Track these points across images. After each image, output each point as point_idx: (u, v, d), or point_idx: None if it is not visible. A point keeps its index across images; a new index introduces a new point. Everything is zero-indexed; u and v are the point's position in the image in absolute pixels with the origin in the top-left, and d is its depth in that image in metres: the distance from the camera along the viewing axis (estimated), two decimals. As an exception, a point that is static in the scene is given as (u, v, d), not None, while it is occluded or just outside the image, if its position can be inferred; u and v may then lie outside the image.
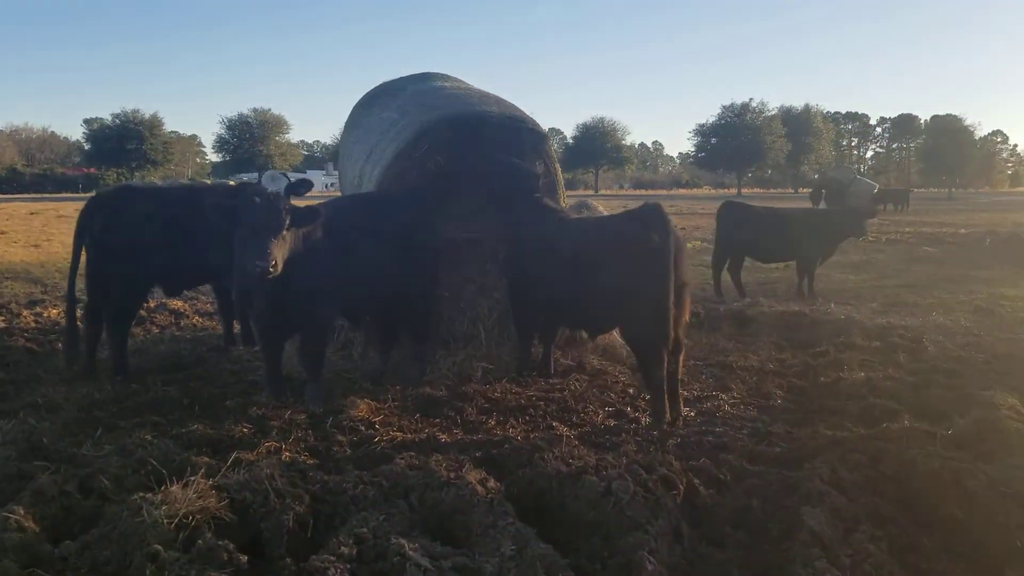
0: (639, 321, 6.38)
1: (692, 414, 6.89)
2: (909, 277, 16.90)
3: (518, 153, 8.19)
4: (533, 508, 4.60)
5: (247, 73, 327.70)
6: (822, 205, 40.25)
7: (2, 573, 3.76)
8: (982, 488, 4.65)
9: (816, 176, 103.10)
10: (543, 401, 7.11)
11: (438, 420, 6.57)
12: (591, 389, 7.57)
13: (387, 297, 7.39)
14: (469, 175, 7.95)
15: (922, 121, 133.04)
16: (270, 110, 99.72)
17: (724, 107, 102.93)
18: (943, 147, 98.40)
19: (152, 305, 11.22)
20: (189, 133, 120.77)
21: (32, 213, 37.69)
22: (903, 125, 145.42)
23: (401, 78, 9.67)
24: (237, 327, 9.23)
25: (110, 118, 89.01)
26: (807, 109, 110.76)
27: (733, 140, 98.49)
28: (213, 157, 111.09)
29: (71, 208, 40.81)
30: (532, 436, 6.09)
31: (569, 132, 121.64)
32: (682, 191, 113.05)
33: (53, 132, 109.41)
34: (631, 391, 7.56)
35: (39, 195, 69.34)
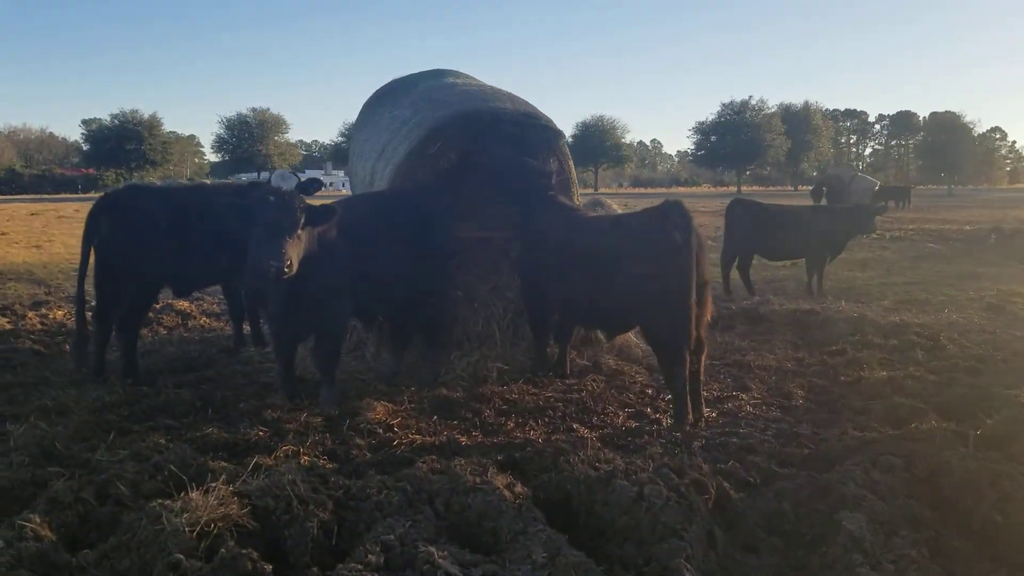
0: (660, 321, 6.26)
1: (714, 415, 6.79)
2: (917, 274, 16.83)
3: (532, 150, 8.06)
4: (560, 513, 4.48)
5: (246, 73, 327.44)
6: (823, 202, 40.34)
7: (20, 584, 3.66)
8: (1020, 490, 4.54)
9: (815, 174, 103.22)
10: (561, 402, 7.00)
11: (456, 422, 6.47)
12: (609, 390, 7.46)
13: (401, 297, 7.28)
14: (482, 173, 7.83)
15: (921, 118, 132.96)
16: (269, 110, 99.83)
17: (724, 105, 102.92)
18: (942, 144, 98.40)
19: (158, 306, 11.09)
20: (187, 133, 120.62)
21: (32, 214, 37.51)
22: (901, 122, 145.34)
23: (412, 75, 9.54)
24: (247, 328, 9.12)
25: (108, 118, 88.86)
26: (807, 106, 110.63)
27: (733, 138, 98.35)
28: (212, 157, 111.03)
29: (71, 209, 40.76)
30: (553, 438, 5.98)
31: (569, 130, 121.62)
32: (681, 189, 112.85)
33: (51, 133, 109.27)
34: (649, 392, 7.46)
35: (38, 196, 69.11)
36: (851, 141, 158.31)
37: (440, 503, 4.40)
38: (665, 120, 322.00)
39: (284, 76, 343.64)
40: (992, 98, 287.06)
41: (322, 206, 6.23)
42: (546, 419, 6.62)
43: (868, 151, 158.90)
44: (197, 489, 4.20)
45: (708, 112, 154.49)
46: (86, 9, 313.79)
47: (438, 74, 9.45)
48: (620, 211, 9.03)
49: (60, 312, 11.16)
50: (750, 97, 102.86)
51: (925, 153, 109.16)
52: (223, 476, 4.48)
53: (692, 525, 4.18)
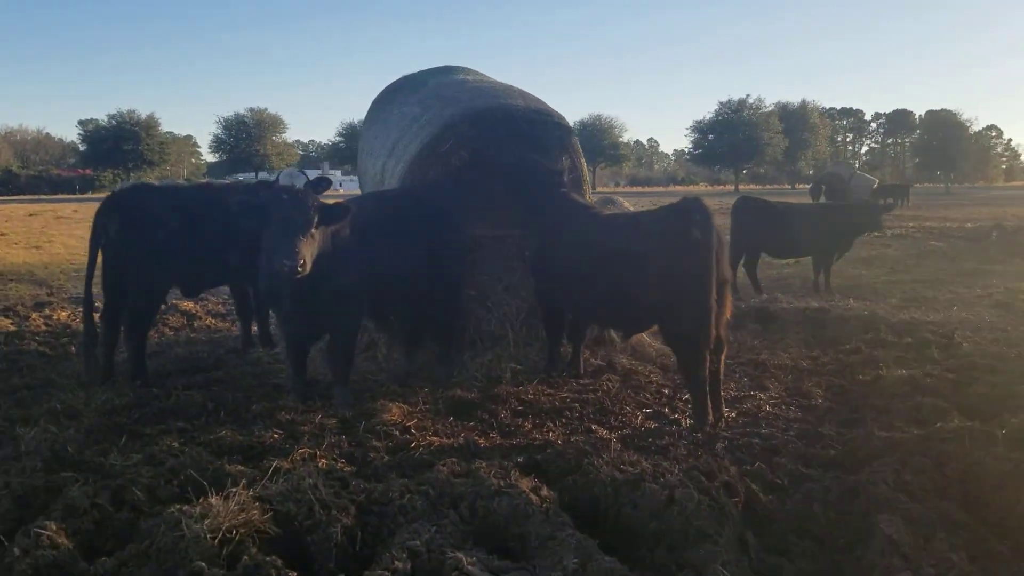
0: (680, 320, 6.16)
1: (733, 415, 6.69)
2: (922, 272, 16.80)
3: (544, 148, 7.97)
4: (587, 517, 4.38)
5: (243, 73, 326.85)
6: (822, 200, 40.33)
7: (38, 594, 3.56)
8: (1057, 492, 4.46)
9: (812, 172, 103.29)
10: (578, 403, 6.90)
11: (473, 424, 6.37)
12: (625, 390, 7.37)
13: (414, 296, 7.17)
14: (495, 171, 7.73)
15: (917, 116, 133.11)
16: (267, 110, 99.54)
17: (721, 103, 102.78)
18: (939, 142, 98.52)
19: (163, 307, 10.97)
20: (184, 133, 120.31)
21: (31, 214, 37.35)
22: (898, 120, 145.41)
23: (422, 71, 9.42)
24: (254, 328, 9.01)
25: (106, 119, 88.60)
26: (804, 105, 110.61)
27: (730, 136, 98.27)
28: (209, 157, 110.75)
29: (69, 209, 40.63)
30: (573, 439, 5.87)
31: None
32: (678, 188, 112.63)
33: (48, 133, 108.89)
34: (666, 391, 7.37)
35: (36, 196, 68.90)
36: (847, 139, 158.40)
37: (465, 507, 4.30)
38: (662, 119, 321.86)
39: (282, 76, 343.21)
40: (988, 96, 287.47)
41: (336, 204, 6.13)
42: (563, 420, 6.52)
43: (864, 149, 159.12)
44: (216, 494, 4.11)
45: (705, 111, 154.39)
46: (83, 9, 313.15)
47: (447, 71, 9.34)
48: (632, 209, 8.94)
49: (64, 313, 11.05)
50: (747, 96, 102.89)
51: (921, 151, 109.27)
52: (243, 481, 4.36)
53: (725, 529, 4.09)
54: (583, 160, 8.36)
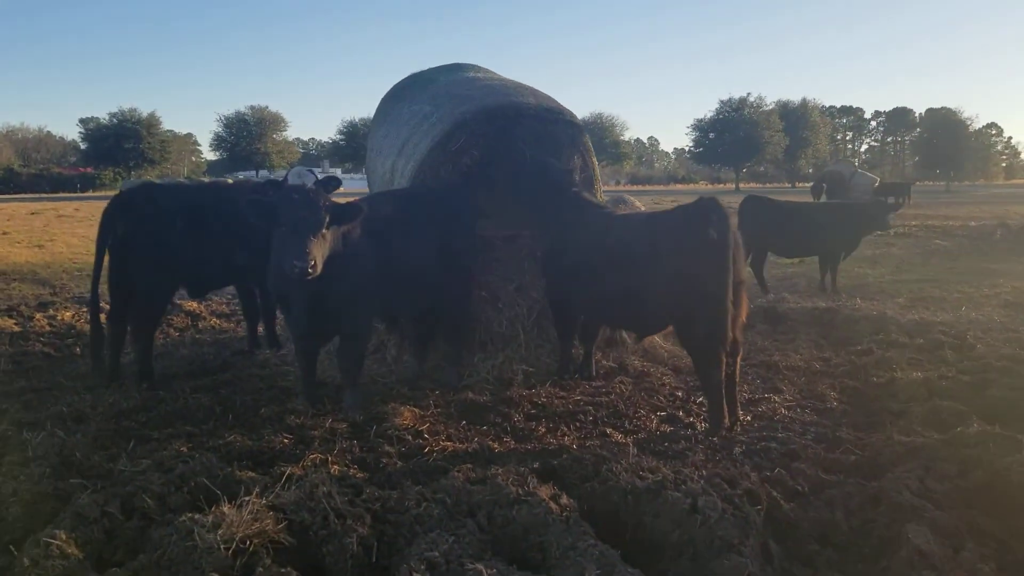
0: (697, 321, 6.06)
1: (748, 418, 6.60)
2: (928, 271, 16.74)
3: (556, 146, 7.88)
4: (606, 526, 4.29)
5: (244, 71, 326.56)
6: (823, 199, 40.23)
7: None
8: (1087, 500, 4.37)
9: (812, 171, 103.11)
10: (591, 406, 6.82)
11: (486, 428, 6.28)
12: (638, 392, 7.28)
13: (425, 297, 7.08)
14: (506, 169, 7.64)
15: (917, 114, 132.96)
16: (267, 107, 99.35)
17: (722, 102, 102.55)
18: (939, 140, 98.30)
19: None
20: (185, 132, 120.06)
21: (32, 213, 37.22)
22: (897, 118, 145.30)
23: (431, 69, 9.31)
24: (260, 329, 8.92)
25: (107, 117, 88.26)
26: (804, 103, 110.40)
27: (731, 135, 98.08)
28: (210, 155, 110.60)
29: (70, 208, 40.50)
30: (588, 444, 5.79)
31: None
32: (679, 186, 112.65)
33: (49, 132, 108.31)
34: (679, 394, 7.28)
35: (37, 195, 68.75)
36: (847, 138, 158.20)
37: (482, 516, 4.21)
38: (662, 118, 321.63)
39: (282, 74, 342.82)
40: (988, 94, 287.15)
41: (347, 204, 6.03)
42: (577, 424, 6.44)
43: (864, 148, 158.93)
44: (228, 502, 4.03)
45: (706, 110, 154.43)
46: (84, 8, 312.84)
47: (456, 68, 9.23)
48: (643, 208, 8.86)
49: (68, 313, 10.94)
50: (748, 94, 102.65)
51: (921, 149, 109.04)
52: (256, 489, 4.27)
53: (749, 539, 4.00)
54: (594, 159, 8.27)
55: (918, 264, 18.05)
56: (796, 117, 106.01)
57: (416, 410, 6.48)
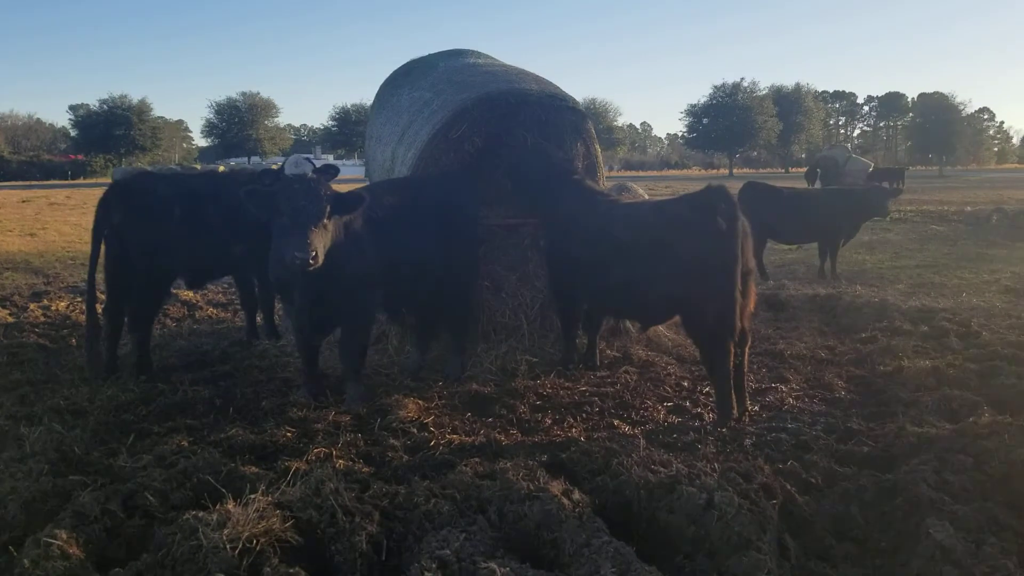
0: (704, 312, 5.97)
1: (756, 408, 6.53)
2: (926, 257, 16.72)
3: (558, 133, 7.76)
4: (618, 521, 4.20)
5: (235, 57, 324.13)
6: (817, 184, 40.16)
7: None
8: (1105, 493, 4.30)
9: (805, 156, 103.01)
10: (597, 396, 6.73)
11: (491, 420, 6.19)
12: (644, 383, 7.20)
13: (428, 288, 6.96)
14: (509, 156, 7.52)
15: (909, 99, 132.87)
16: (259, 94, 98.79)
17: (716, 87, 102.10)
18: (932, 125, 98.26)
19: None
20: (176, 118, 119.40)
21: (23, 201, 36.86)
22: (890, 103, 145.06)
23: (431, 55, 9.15)
24: (259, 319, 8.81)
25: (97, 104, 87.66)
26: (798, 88, 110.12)
27: (724, 120, 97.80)
28: (201, 142, 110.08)
29: (62, 195, 40.16)
30: (596, 436, 5.71)
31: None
32: (672, 172, 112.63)
33: (39, 119, 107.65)
34: (686, 384, 7.20)
35: (27, 183, 68.23)
36: (840, 123, 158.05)
37: (494, 512, 4.12)
38: (654, 103, 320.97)
39: (274, 60, 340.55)
40: (980, 79, 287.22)
41: (349, 193, 5.91)
42: (584, 415, 6.35)
43: (857, 132, 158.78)
44: (233, 500, 3.93)
45: (699, 95, 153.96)
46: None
47: (457, 54, 9.07)
48: (646, 196, 8.75)
49: (62, 303, 10.79)
50: (742, 79, 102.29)
51: (914, 134, 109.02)
52: (261, 486, 4.17)
53: (766, 534, 3.92)
54: (597, 146, 8.15)
55: (916, 250, 18.02)
56: (790, 102, 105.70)
57: (420, 402, 6.38)
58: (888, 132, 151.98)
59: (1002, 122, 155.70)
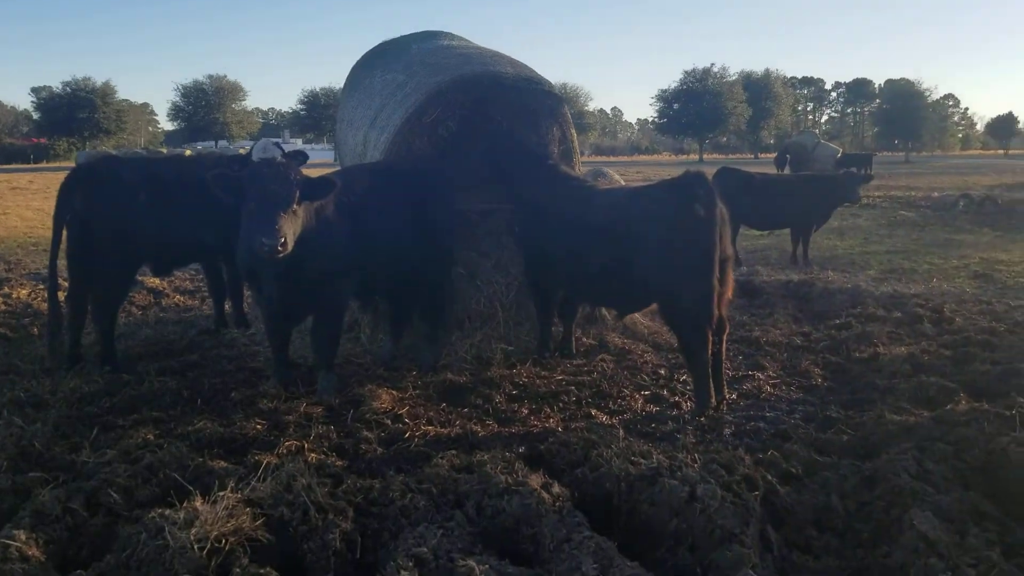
0: (683, 299, 5.89)
1: (734, 397, 6.48)
2: (895, 242, 16.89)
3: (534, 117, 7.64)
4: (599, 514, 4.12)
5: (200, 38, 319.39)
6: (787, 170, 40.42)
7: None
8: (1088, 481, 4.29)
9: (773, 142, 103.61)
10: (574, 385, 6.65)
11: (467, 410, 6.08)
12: (620, 371, 7.13)
13: (401, 275, 6.82)
14: (483, 141, 7.39)
15: (876, 86, 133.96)
16: (226, 77, 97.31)
17: (686, 72, 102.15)
18: (898, 111, 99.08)
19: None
20: (141, 101, 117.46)
21: (-16, 185, 36.12)
22: (857, 90, 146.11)
23: (403, 36, 8.95)
24: (228, 307, 8.61)
25: (60, 86, 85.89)
26: (767, 74, 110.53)
27: (695, 106, 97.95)
28: (167, 125, 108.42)
29: (24, 180, 39.35)
30: (574, 427, 5.61)
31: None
32: (643, 157, 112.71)
33: (0, 101, 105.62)
34: (663, 372, 7.14)
35: (-12, 167, 66.92)
36: (808, 109, 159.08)
37: (471, 506, 4.02)
38: (626, 87, 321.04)
39: (241, 42, 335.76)
40: (945, 65, 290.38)
41: (320, 178, 5.75)
42: (561, 404, 6.27)
43: (824, 119, 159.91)
44: (200, 497, 3.79)
45: (669, 80, 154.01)
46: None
47: (431, 36, 8.88)
48: (622, 182, 8.67)
49: (23, 291, 10.48)
50: (712, 64, 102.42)
51: (881, 120, 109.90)
52: (230, 482, 4.03)
53: (749, 527, 3.86)
54: (573, 130, 8.03)
55: (885, 236, 18.20)
56: (759, 88, 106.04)
57: (394, 392, 6.27)
58: (855, 118, 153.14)
59: (966, 108, 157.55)
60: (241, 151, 6.29)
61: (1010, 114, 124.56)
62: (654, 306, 6.64)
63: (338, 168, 7.93)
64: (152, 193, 6.91)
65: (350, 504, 3.98)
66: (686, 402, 6.34)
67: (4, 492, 4.19)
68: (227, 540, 3.52)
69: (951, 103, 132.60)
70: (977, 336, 7.85)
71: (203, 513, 3.64)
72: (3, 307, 9.56)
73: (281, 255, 5.31)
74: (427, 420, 5.73)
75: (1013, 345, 7.59)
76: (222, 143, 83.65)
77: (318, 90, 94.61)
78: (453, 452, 4.79)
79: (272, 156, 6.65)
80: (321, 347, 6.30)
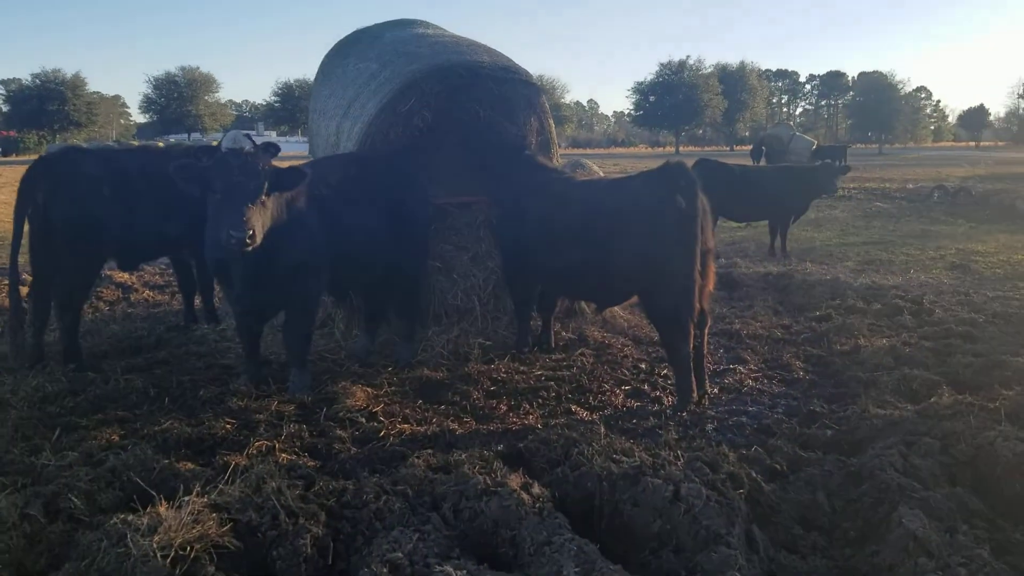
0: (663, 292, 5.77)
1: (716, 391, 6.38)
2: (872, 234, 16.97)
3: (511, 107, 7.49)
4: (580, 515, 4.00)
5: (172, 29, 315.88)
6: (763, 162, 40.53)
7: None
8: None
9: (748, 134, 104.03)
10: (553, 381, 6.52)
11: (444, 407, 5.93)
12: (600, 365, 7.00)
13: (375, 269, 6.66)
14: (459, 131, 7.23)
15: (850, 78, 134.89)
16: (198, 68, 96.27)
17: (662, 65, 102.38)
18: (871, 104, 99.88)
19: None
20: (112, 93, 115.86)
21: (-49, 179, 35.42)
22: (831, 82, 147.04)
23: (376, 24, 8.75)
24: (198, 303, 8.40)
25: (29, 78, 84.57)
26: (743, 66, 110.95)
27: (671, 98, 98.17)
28: (139, 118, 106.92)
29: (-9, 173, 38.62)
30: (554, 423, 5.48)
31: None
32: (619, 150, 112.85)
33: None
34: (643, 366, 7.03)
35: (-45, 160, 65.72)
36: (783, 101, 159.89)
37: (448, 509, 3.88)
38: (601, 80, 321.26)
39: (214, 33, 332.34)
40: (917, 57, 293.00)
41: (290, 168, 5.56)
42: (540, 400, 6.13)
43: (799, 111, 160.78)
44: (165, 502, 3.62)
45: (646, 72, 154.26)
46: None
47: (405, 24, 8.68)
48: (601, 173, 8.55)
49: (-15, 287, 10.19)
50: (687, 57, 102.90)
51: (855, 113, 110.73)
52: (196, 486, 3.86)
53: (735, 528, 3.74)
54: (551, 121, 7.88)
55: (861, 227, 18.29)
56: (734, 80, 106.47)
57: (369, 389, 6.10)
58: (829, 110, 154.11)
59: (938, 101, 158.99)
60: (213, 143, 6.07)
61: (981, 106, 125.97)
62: (635, 299, 6.53)
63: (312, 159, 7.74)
64: (116, 185, 6.69)
65: (322, 507, 3.82)
66: (668, 397, 6.23)
67: (-42, 499, 3.99)
68: (192, 547, 3.36)
69: (923, 95, 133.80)
70: (958, 328, 7.81)
71: (167, 519, 3.48)
72: (-36, 304, 9.26)
73: (250, 248, 5.13)
74: (403, 418, 5.57)
75: (994, 336, 7.56)
76: (195, 135, 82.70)
77: (292, 82, 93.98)
78: (429, 451, 4.66)
79: (242, 147, 6.45)
80: (293, 343, 6.12)
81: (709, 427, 5.54)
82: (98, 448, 4.74)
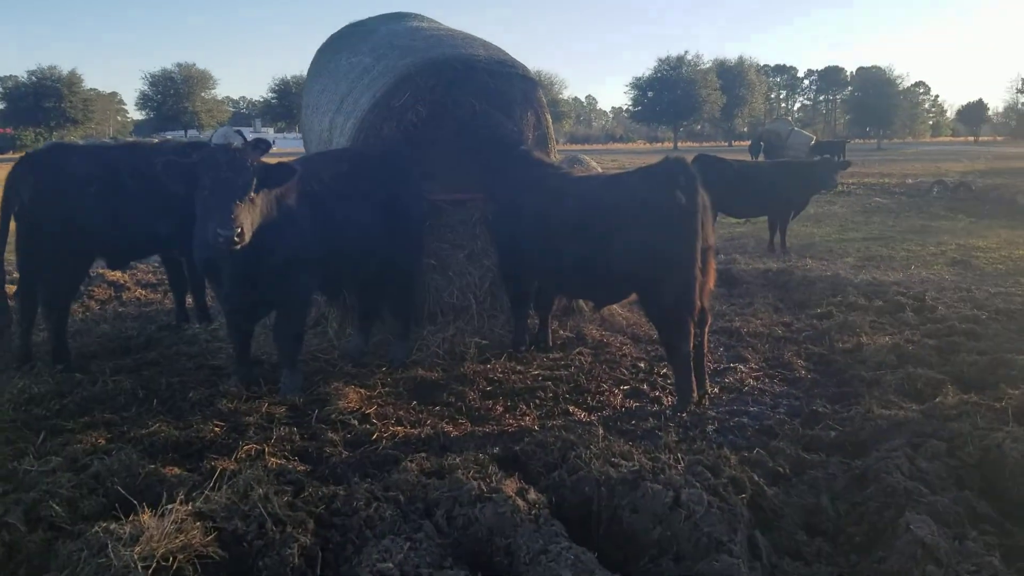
0: (663, 290, 5.65)
1: (716, 390, 6.26)
2: (871, 229, 16.85)
3: (507, 102, 7.35)
4: (578, 521, 3.88)
5: (169, 26, 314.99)
6: (761, 157, 40.44)
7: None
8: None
9: (747, 129, 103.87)
10: (551, 381, 6.40)
11: (439, 408, 5.81)
12: (598, 365, 6.88)
13: (369, 267, 6.53)
14: (455, 127, 7.09)
15: (848, 73, 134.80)
16: (195, 65, 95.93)
17: (660, 60, 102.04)
18: (870, 99, 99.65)
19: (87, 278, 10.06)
20: (109, 91, 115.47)
21: (-56, 176, 35.23)
22: (829, 77, 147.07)
23: (370, 18, 8.62)
24: (189, 302, 8.27)
25: (25, 75, 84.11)
26: (741, 61, 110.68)
27: (669, 93, 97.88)
28: (136, 115, 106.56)
29: (-14, 170, 38.45)
30: (551, 425, 5.34)
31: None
32: (617, 145, 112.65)
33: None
34: (642, 366, 6.91)
35: (-50, 157, 65.48)
36: (781, 96, 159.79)
37: (441, 516, 3.75)
38: (599, 76, 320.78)
39: (211, 30, 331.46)
40: (916, 53, 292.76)
41: (279, 164, 5.43)
42: (537, 401, 6.01)
43: (797, 106, 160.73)
44: (148, 510, 3.50)
45: (644, 67, 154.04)
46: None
47: (398, 17, 8.54)
48: (599, 169, 8.42)
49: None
50: (686, 52, 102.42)
51: (853, 108, 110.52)
52: (180, 494, 3.73)
53: (737, 534, 3.62)
54: (548, 116, 7.74)
55: (861, 223, 18.15)
56: (733, 75, 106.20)
57: (362, 390, 5.99)
58: (827, 106, 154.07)
59: (937, 96, 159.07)
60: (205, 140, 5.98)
61: (980, 101, 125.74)
62: (633, 297, 6.40)
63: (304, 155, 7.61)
64: (104, 182, 6.56)
65: (310, 515, 3.71)
66: (667, 397, 6.11)
67: (-64, 506, 3.87)
68: (175, 558, 3.24)
69: (922, 90, 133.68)
70: (961, 325, 7.69)
71: (150, 528, 3.36)
72: (-49, 303, 9.12)
73: (239, 246, 5.01)
74: (396, 420, 5.45)
75: (998, 334, 7.44)
76: (192, 132, 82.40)
77: (289, 78, 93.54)
78: (423, 455, 4.53)
79: (233, 144, 6.32)
80: (284, 343, 5.99)
81: (710, 428, 5.42)
82: (83, 452, 4.61)
